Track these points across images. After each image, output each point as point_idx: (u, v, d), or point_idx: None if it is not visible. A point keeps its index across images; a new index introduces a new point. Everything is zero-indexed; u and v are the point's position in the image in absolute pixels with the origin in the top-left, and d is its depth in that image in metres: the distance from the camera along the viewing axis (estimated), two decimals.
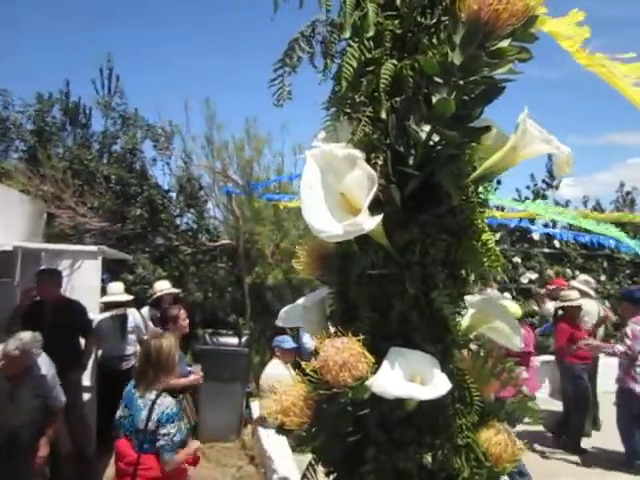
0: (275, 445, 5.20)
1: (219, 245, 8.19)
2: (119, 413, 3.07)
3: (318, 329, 1.50)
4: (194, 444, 3.30)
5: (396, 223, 1.34)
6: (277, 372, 5.60)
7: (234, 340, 6.48)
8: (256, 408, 6.27)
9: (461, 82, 1.24)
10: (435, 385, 1.26)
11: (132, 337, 5.70)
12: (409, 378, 1.28)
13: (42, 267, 5.32)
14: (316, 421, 1.31)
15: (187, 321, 4.84)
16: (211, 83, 21.07)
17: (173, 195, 8.43)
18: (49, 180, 6.87)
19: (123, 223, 7.58)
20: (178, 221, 8.46)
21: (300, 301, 1.58)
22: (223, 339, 6.44)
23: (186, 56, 23.55)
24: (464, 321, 1.48)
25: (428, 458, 1.34)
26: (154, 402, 2.92)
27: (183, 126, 8.35)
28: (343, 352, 1.20)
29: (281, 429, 1.32)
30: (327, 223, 1.22)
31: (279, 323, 1.59)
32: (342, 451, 1.36)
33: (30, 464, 3.70)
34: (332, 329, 1.31)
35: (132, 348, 5.67)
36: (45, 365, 3.80)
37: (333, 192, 1.28)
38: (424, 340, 1.36)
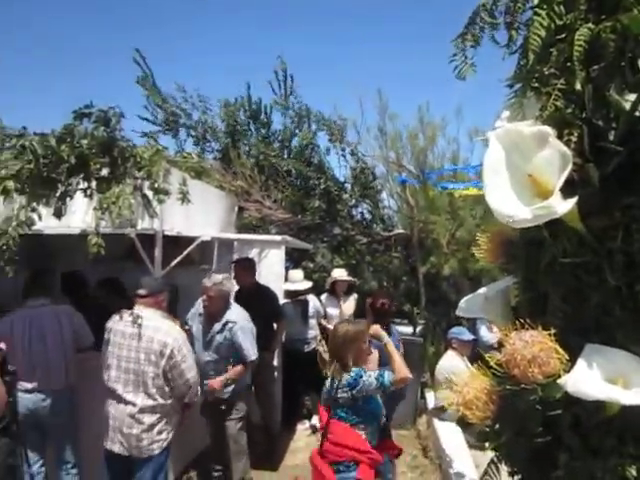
0: (452, 438, 5.10)
1: (393, 235, 8.23)
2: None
3: (501, 321, 1.42)
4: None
5: (593, 206, 1.19)
6: (453, 364, 5.46)
7: (408, 329, 6.49)
8: (431, 399, 6.20)
9: None
10: None
11: (313, 322, 6.03)
12: (609, 380, 1.14)
13: (235, 256, 5.82)
14: (500, 417, 1.24)
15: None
16: (383, 74, 21.21)
17: (348, 186, 8.66)
18: (240, 176, 7.53)
19: (303, 214, 8.00)
20: (354, 211, 8.67)
21: (482, 291, 1.50)
22: (398, 328, 6.47)
23: (358, 48, 24.06)
24: None
25: (632, 471, 1.18)
26: (333, 377, 3.06)
27: (357, 118, 8.57)
28: (532, 346, 1.11)
29: (462, 422, 1.27)
30: (514, 207, 1.14)
31: (459, 313, 1.53)
32: (529, 452, 1.27)
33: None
34: (518, 321, 1.21)
35: (313, 332, 6.01)
36: (239, 315, 4.18)
37: (520, 174, 1.18)
38: (628, 338, 1.20)
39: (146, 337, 3.35)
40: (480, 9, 1.32)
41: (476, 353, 5.62)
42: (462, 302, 1.52)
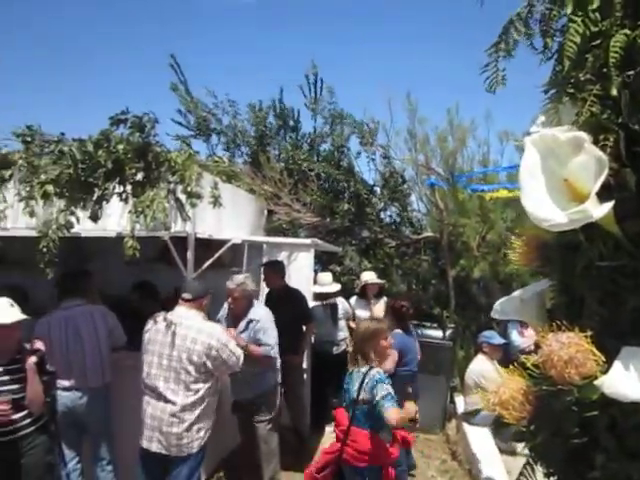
0: (482, 443, 5.07)
1: (422, 238, 8.20)
2: (344, 386, 3.32)
3: (536, 323, 1.44)
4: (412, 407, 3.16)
5: (630, 210, 1.21)
6: (483, 368, 5.44)
7: (438, 333, 6.45)
8: (460, 403, 6.16)
9: None
10: None
11: (342, 324, 6.06)
12: None
13: (265, 259, 5.88)
14: (537, 418, 1.25)
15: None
16: (413, 76, 21.14)
17: (377, 189, 8.66)
18: (269, 180, 7.60)
19: (332, 217, 8.02)
20: (382, 214, 8.66)
21: (517, 293, 1.52)
22: (427, 331, 6.45)
23: (387, 48, 24.03)
24: None
25: None
26: (365, 374, 3.10)
27: (387, 121, 8.57)
28: (569, 347, 1.12)
29: (498, 422, 1.29)
30: (550, 211, 1.16)
31: (494, 315, 1.54)
32: (565, 452, 1.28)
33: None
34: (554, 323, 1.23)
35: (343, 334, 6.04)
36: (263, 313, 4.23)
37: (555, 178, 1.20)
38: None
39: (190, 338, 3.43)
40: (514, 18, 1.34)
41: (508, 357, 5.58)
42: (497, 304, 1.53)
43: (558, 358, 1.13)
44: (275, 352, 4.20)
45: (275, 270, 5.32)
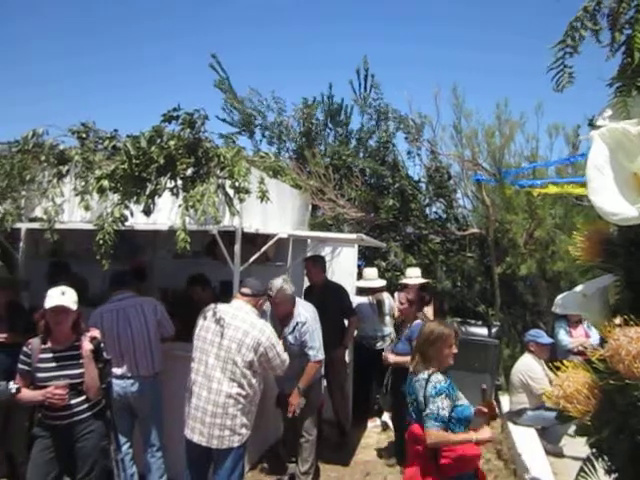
0: (527, 443, 4.98)
1: (468, 234, 8.08)
2: (409, 397, 3.16)
3: (599, 318, 1.42)
4: (483, 433, 3.06)
5: None
6: (530, 367, 5.35)
7: (483, 331, 6.37)
8: (506, 402, 6.07)
9: None
10: None
11: (388, 319, 6.07)
12: None
13: (309, 254, 5.93)
14: (602, 412, 1.24)
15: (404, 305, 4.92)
16: (461, 71, 20.79)
17: (423, 185, 8.59)
18: (314, 175, 7.64)
19: (376, 213, 8.01)
20: (427, 210, 8.57)
21: (579, 288, 1.50)
22: (472, 329, 6.38)
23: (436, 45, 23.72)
24: None
25: None
26: (427, 380, 2.99)
27: (433, 117, 8.47)
28: (638, 342, 1.11)
29: (562, 415, 1.28)
30: (619, 205, 1.15)
31: (554, 310, 1.53)
32: (630, 448, 1.26)
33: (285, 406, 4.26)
34: (621, 317, 1.21)
35: (388, 329, 6.04)
36: (308, 314, 4.25)
37: (625, 172, 1.18)
38: None
39: (242, 330, 3.50)
40: (581, 13, 1.32)
41: (555, 357, 5.46)
42: (559, 298, 1.52)
43: (626, 352, 1.12)
44: (321, 353, 4.25)
45: (316, 265, 5.38)
